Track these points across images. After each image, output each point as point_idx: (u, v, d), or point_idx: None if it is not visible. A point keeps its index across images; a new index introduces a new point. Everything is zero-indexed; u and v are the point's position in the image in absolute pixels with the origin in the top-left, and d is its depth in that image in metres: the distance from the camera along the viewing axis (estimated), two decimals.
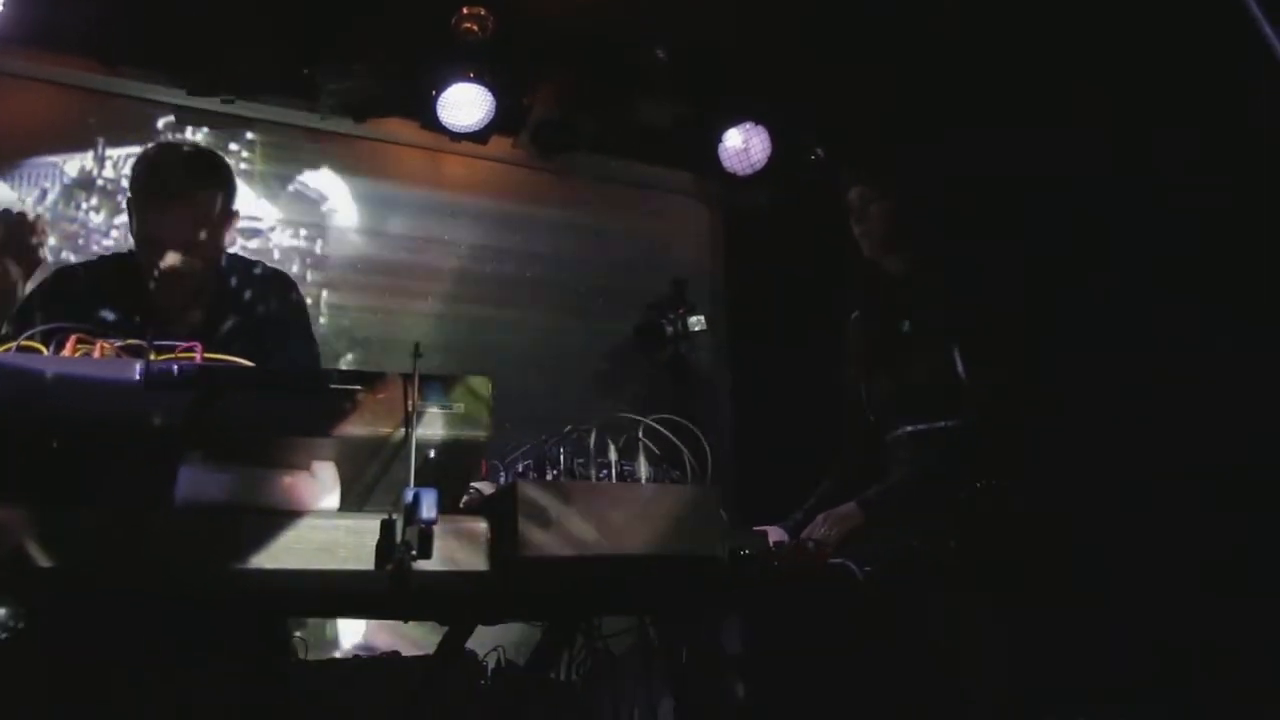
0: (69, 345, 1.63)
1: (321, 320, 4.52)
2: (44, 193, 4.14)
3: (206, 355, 1.68)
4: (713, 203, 5.42)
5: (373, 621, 4.03)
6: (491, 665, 3.07)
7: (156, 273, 2.52)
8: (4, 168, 4.08)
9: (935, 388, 2.95)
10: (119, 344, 1.67)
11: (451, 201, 4.93)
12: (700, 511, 1.86)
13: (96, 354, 1.62)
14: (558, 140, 4.82)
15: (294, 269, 4.56)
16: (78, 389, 1.52)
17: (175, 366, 1.59)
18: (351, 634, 4.15)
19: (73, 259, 4.09)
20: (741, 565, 2.06)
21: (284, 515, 1.63)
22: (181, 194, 2.50)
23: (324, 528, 1.65)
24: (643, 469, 1.92)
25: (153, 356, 1.61)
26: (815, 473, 3.22)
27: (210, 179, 2.57)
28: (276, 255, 4.54)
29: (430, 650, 2.76)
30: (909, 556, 2.37)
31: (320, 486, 1.71)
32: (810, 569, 2.16)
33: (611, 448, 1.93)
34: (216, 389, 1.58)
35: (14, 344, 1.60)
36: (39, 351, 1.62)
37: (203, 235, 2.53)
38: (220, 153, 2.80)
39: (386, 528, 1.62)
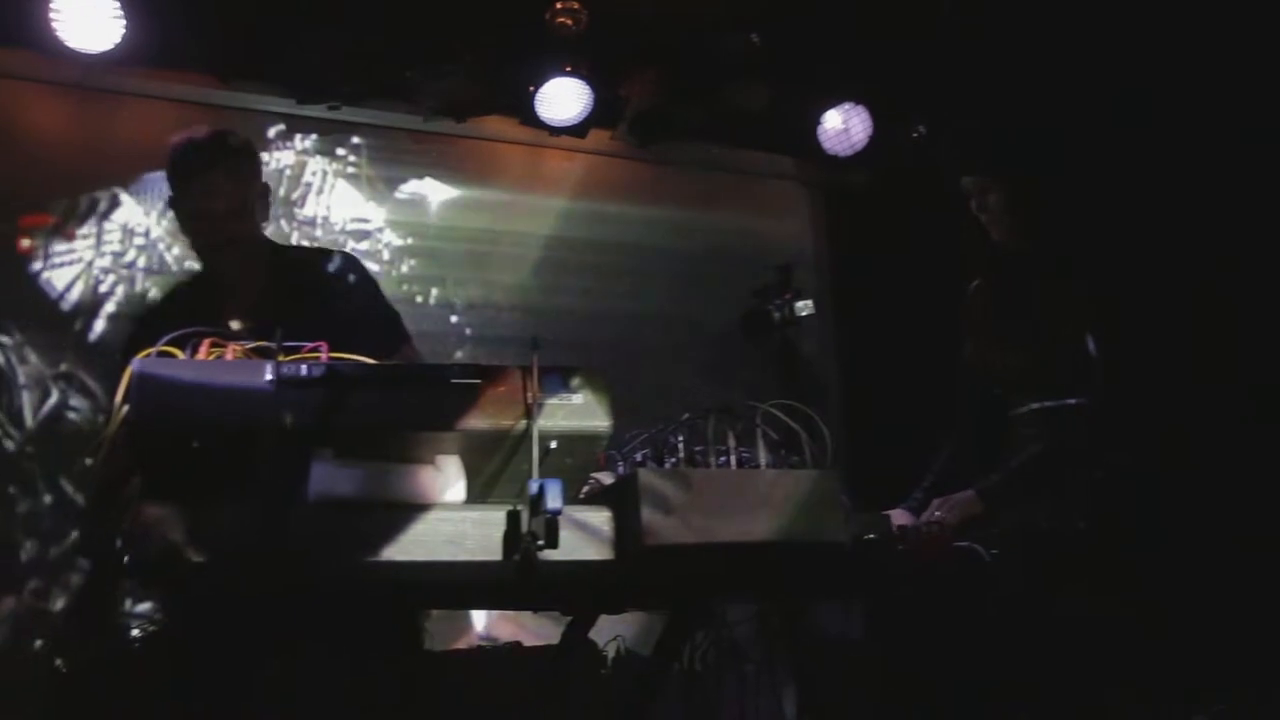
0: (203, 349, 1.67)
1: (429, 318, 4.59)
2: (169, 200, 4.28)
3: (332, 354, 1.72)
4: (814, 186, 5.37)
5: (493, 612, 4.09)
6: (612, 655, 3.10)
7: (218, 240, 2.71)
8: (130, 182, 4.24)
9: (1065, 365, 2.87)
10: (250, 345, 1.72)
11: (553, 196, 4.96)
12: (822, 496, 1.85)
13: (229, 356, 1.67)
14: (655, 130, 4.81)
15: (403, 269, 4.65)
16: (214, 391, 1.57)
17: (304, 367, 1.63)
18: (474, 625, 4.22)
19: (196, 267, 4.25)
20: (865, 550, 2.03)
21: (412, 508, 1.67)
22: (212, 163, 2.69)
23: (451, 520, 1.68)
24: (762, 455, 1.92)
25: (281, 358, 1.64)
26: (928, 453, 3.17)
27: (232, 148, 2.76)
28: (386, 256, 4.63)
29: (550, 640, 2.79)
30: (1038, 539, 2.30)
31: (446, 479, 1.74)
32: (936, 553, 2.12)
33: (730, 434, 1.93)
34: (343, 387, 1.61)
35: (153, 350, 1.65)
36: (175, 356, 1.67)
37: (241, 195, 2.71)
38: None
39: (512, 519, 1.65)
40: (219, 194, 2.69)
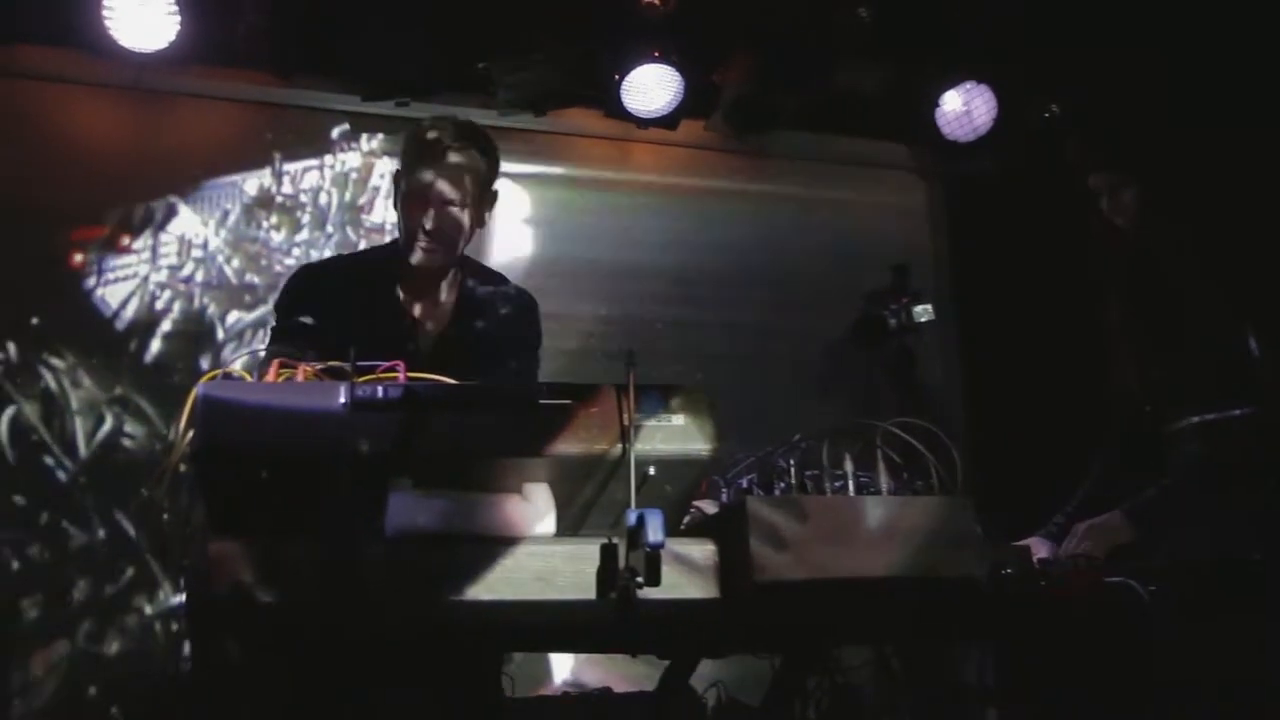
0: (272, 371, 1.71)
1: None
2: (225, 214, 4.41)
3: (410, 375, 1.74)
4: (931, 176, 5.31)
5: (580, 655, 4.10)
6: (713, 703, 3.07)
7: (421, 234, 2.81)
8: (185, 190, 4.37)
9: (1225, 372, 2.79)
10: (320, 367, 1.75)
11: (642, 193, 4.99)
12: (952, 525, 1.83)
13: (300, 377, 1.71)
14: (754, 118, 4.81)
15: None
16: (285, 416, 1.60)
17: (379, 389, 1.65)
18: (559, 670, 4.24)
19: (256, 281, 4.31)
20: (1002, 586, 2.00)
21: (498, 542, 1.69)
22: (450, 149, 2.81)
23: (541, 554, 1.70)
24: (883, 479, 1.90)
25: (355, 379, 1.67)
26: (1067, 475, 3.10)
27: (477, 140, 2.89)
28: None
29: (642, 686, 2.78)
30: (1205, 573, 2.23)
31: (534, 510, 1.75)
32: (1085, 589, 2.07)
33: (846, 457, 1.91)
34: (422, 411, 1.64)
35: (219, 372, 1.69)
36: (243, 379, 1.71)
37: (467, 194, 2.83)
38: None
39: (608, 553, 1.65)
40: (438, 180, 2.79)
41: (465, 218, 2.84)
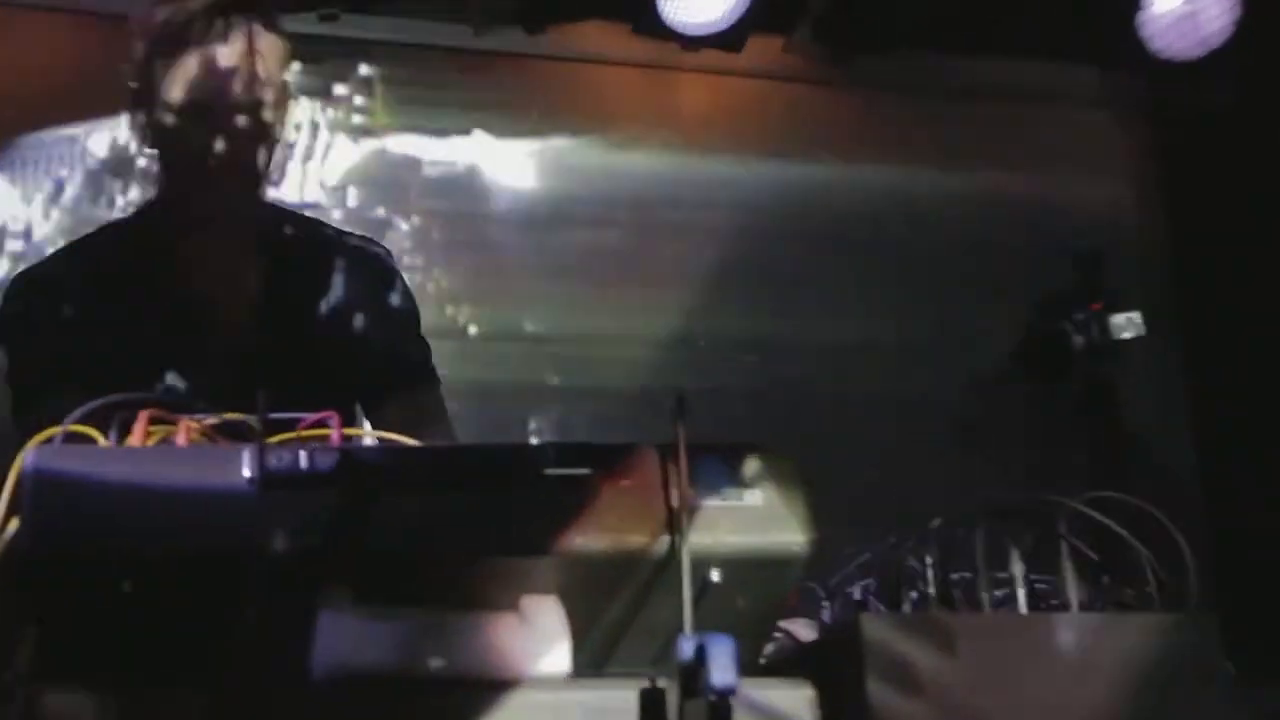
0: (139, 428, 1.73)
1: (488, 359, 4.67)
2: (58, 185, 4.45)
3: (347, 431, 1.76)
4: (1134, 114, 5.35)
5: None
6: None
7: (211, 157, 2.80)
8: None
9: None
10: (211, 420, 1.77)
11: (688, 149, 5.02)
12: (1184, 657, 1.83)
13: (181, 439, 1.72)
14: (860, 33, 4.84)
15: (442, 282, 4.74)
16: (161, 498, 1.62)
17: (302, 454, 1.67)
18: None
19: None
20: None
21: (486, 686, 1.69)
22: (225, 32, 2.81)
23: (549, 705, 1.71)
24: (1072, 587, 1.91)
25: (264, 440, 1.69)
26: None
27: (255, 6, 2.90)
28: (414, 259, 4.73)
29: None
30: None
31: (538, 636, 1.76)
32: None
33: (1014, 553, 1.91)
34: (368, 486, 1.65)
35: (57, 430, 1.71)
36: (94, 441, 1.73)
37: (263, 89, 2.83)
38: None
39: (651, 702, 1.65)
40: (217, 75, 2.80)
41: (266, 124, 2.85)
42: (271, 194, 3.00)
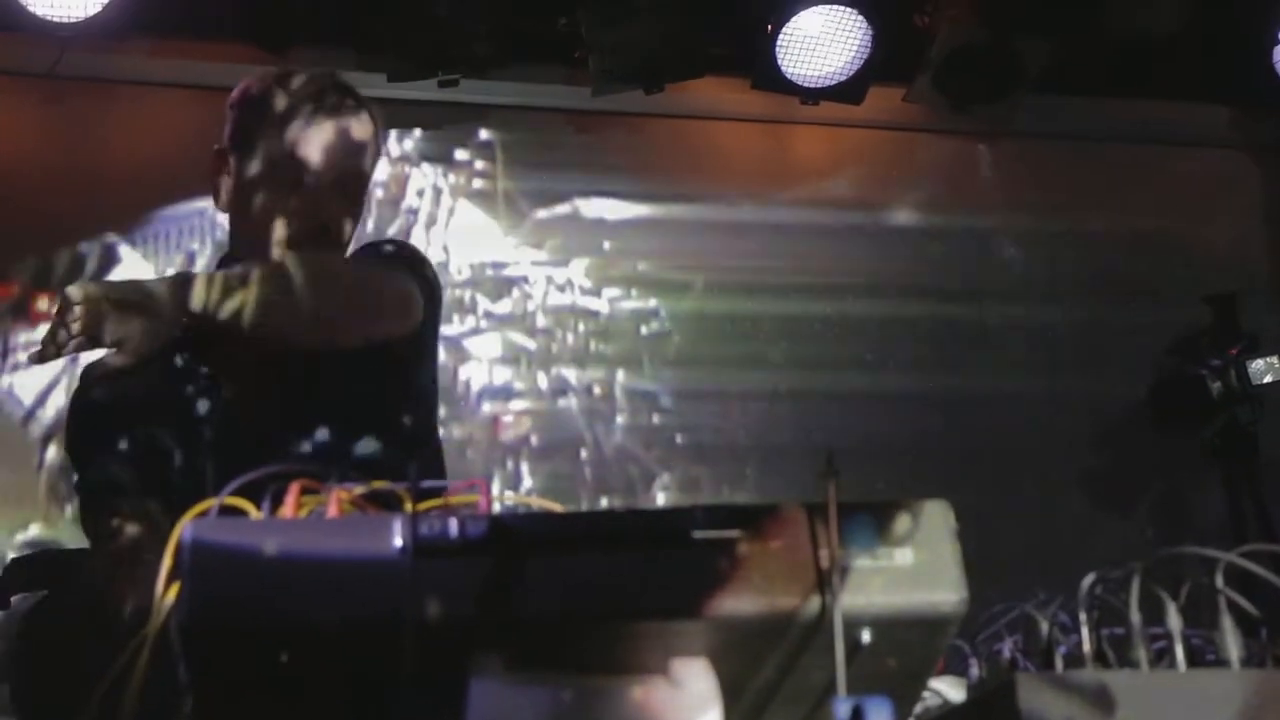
0: (290, 500, 1.77)
1: (611, 416, 4.69)
2: (190, 257, 4.53)
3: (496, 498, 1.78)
4: (1269, 152, 5.31)
5: None
6: None
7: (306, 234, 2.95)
8: (129, 224, 4.54)
9: None
10: (360, 489, 1.80)
11: (813, 206, 5.03)
12: None
13: (332, 510, 1.76)
14: (982, 82, 4.84)
15: (566, 339, 4.77)
16: (314, 571, 1.65)
17: (453, 523, 1.69)
18: None
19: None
20: None
21: None
22: (332, 113, 3.00)
23: None
24: (1231, 642, 1.89)
25: (414, 508, 1.72)
26: None
27: (356, 95, 3.10)
28: (541, 321, 4.76)
29: None
30: None
31: (689, 700, 1.77)
32: None
33: (1170, 607, 1.90)
34: (520, 553, 1.67)
35: (212, 503, 1.75)
36: (247, 513, 1.76)
37: (358, 177, 3.05)
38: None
39: None
40: (347, 160, 2.98)
41: (355, 207, 3.08)
42: None
